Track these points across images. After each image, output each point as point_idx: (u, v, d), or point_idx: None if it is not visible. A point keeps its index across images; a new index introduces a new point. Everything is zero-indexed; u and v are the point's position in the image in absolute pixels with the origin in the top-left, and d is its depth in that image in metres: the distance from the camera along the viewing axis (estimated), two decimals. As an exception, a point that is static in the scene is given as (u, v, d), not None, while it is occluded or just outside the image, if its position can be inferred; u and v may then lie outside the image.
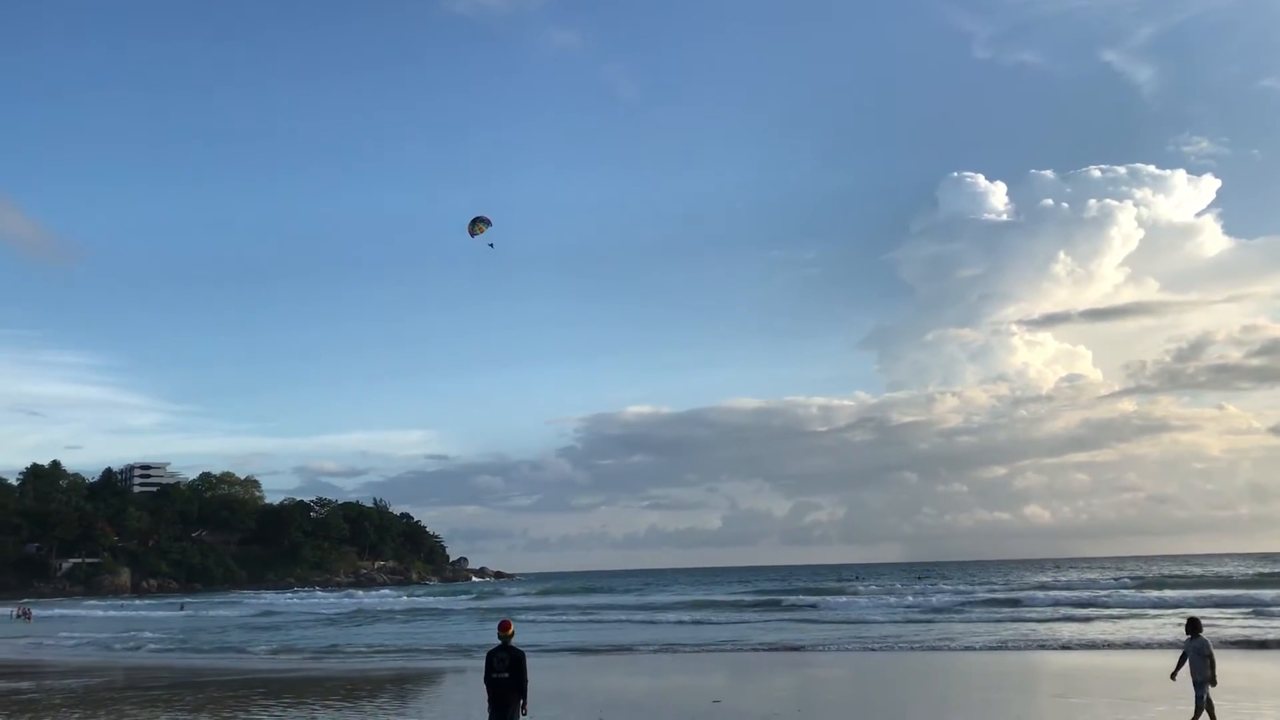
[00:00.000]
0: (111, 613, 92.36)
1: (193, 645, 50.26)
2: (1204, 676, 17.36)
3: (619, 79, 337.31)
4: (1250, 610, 50.75)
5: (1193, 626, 18.06)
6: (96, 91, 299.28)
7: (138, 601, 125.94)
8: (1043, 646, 38.02)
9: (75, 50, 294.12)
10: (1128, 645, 36.36)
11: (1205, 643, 17.65)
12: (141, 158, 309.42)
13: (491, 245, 36.85)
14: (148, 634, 58.03)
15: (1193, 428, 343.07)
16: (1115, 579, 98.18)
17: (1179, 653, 17.89)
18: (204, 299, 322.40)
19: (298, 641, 51.47)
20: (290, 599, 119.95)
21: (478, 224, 36.07)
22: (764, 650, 39.42)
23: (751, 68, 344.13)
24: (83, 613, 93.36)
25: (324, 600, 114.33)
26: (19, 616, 79.27)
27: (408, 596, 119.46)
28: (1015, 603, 63.06)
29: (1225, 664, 17.96)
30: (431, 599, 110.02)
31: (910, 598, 70.10)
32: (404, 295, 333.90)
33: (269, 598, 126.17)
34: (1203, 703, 17.43)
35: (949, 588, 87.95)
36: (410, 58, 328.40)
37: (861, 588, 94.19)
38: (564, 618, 64.30)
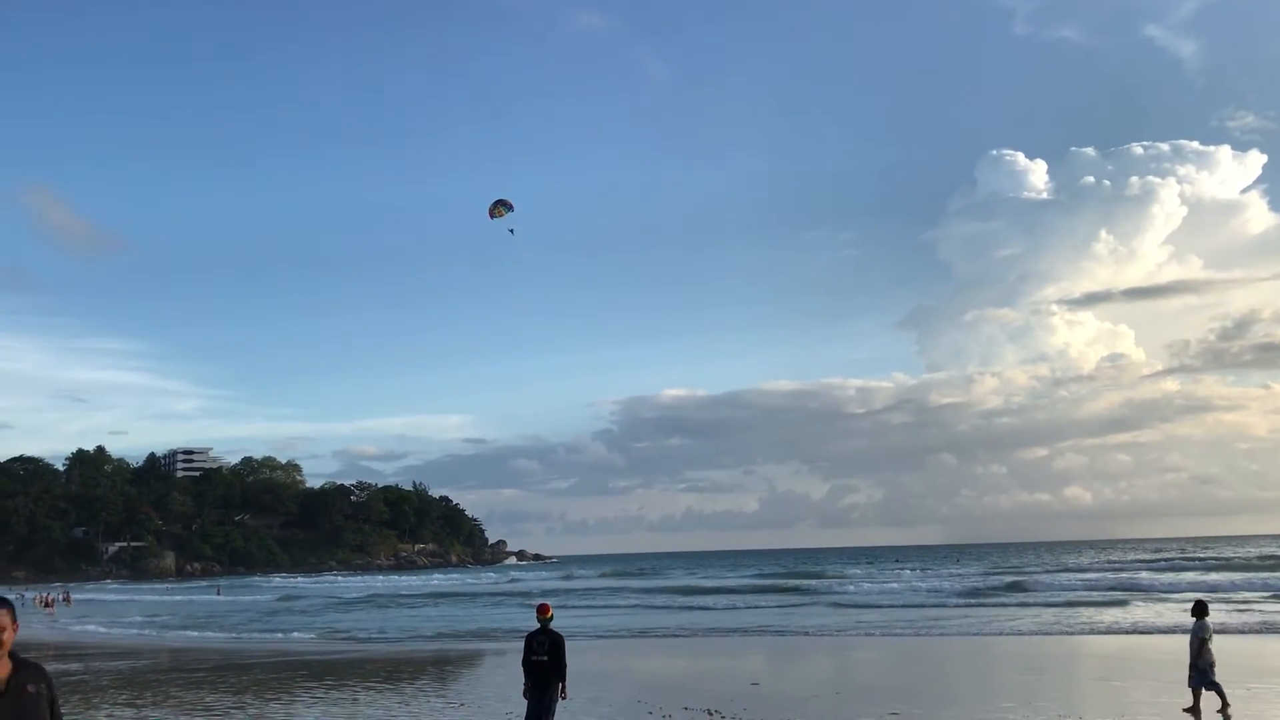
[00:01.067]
0: (149, 596, 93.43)
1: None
2: (1206, 662, 17.31)
3: (648, 60, 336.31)
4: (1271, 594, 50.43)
5: (1195, 610, 18.03)
6: (135, 85, 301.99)
7: (173, 585, 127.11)
8: (1083, 631, 37.83)
9: (114, 44, 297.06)
10: (1170, 630, 36.05)
11: (1201, 626, 17.60)
12: (180, 149, 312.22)
13: (512, 231, 35.62)
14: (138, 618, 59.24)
15: (1237, 407, 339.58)
16: (1156, 560, 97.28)
17: (1203, 638, 17.79)
18: (244, 286, 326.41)
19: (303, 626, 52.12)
20: (305, 583, 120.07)
21: (498, 207, 34.91)
22: (799, 635, 39.46)
23: (787, 46, 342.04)
24: (124, 597, 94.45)
25: (338, 584, 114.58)
26: (61, 600, 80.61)
27: (420, 580, 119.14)
28: (1049, 586, 62.43)
29: (1256, 647, 17.82)
30: (451, 582, 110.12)
31: (923, 583, 69.06)
32: (440, 280, 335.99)
33: (278, 581, 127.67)
34: (1213, 688, 17.33)
35: (983, 570, 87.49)
36: (437, 42, 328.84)
37: (882, 570, 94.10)
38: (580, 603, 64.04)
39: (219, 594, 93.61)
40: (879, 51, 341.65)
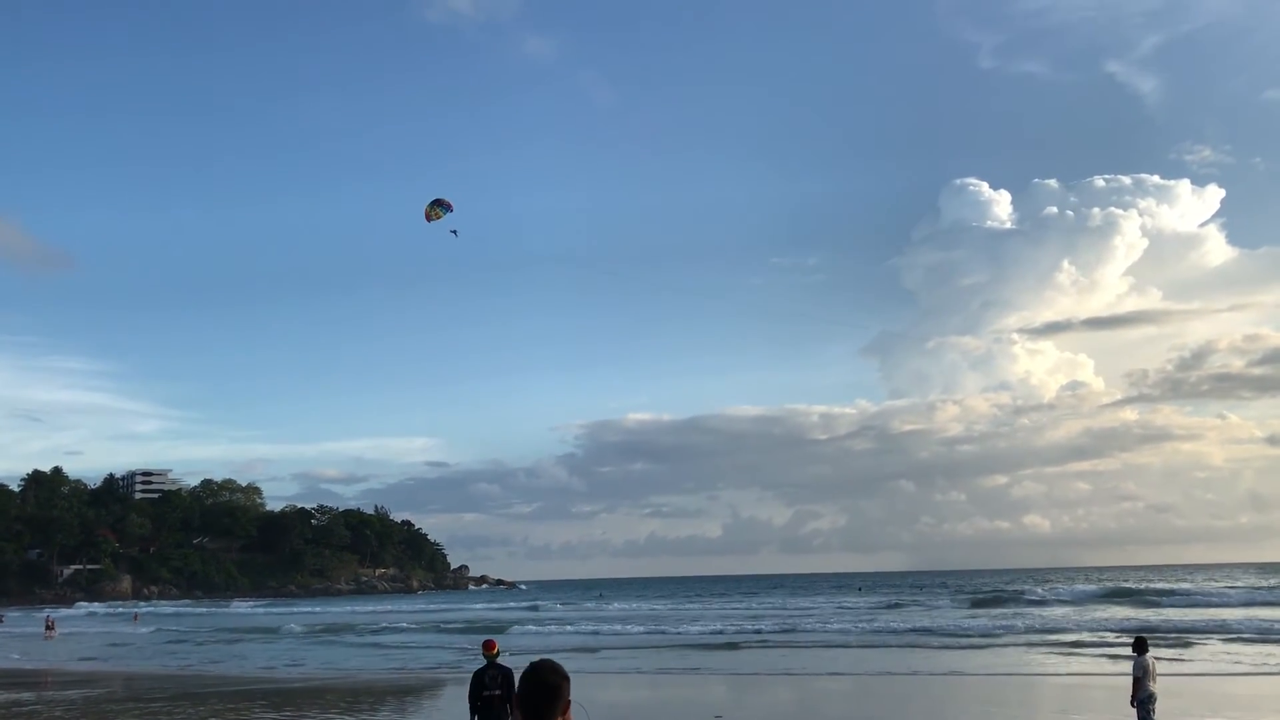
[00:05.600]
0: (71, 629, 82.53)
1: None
2: (1139, 699, 17.55)
3: (596, 84, 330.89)
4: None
5: (1135, 646, 18.28)
6: (90, 103, 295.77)
7: (94, 609, 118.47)
8: (1042, 664, 38.04)
9: (69, 63, 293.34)
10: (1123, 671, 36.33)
11: (1135, 662, 17.83)
12: (138, 169, 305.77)
13: (455, 232, 32.93)
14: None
15: (1194, 437, 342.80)
16: (1122, 592, 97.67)
17: (1137, 675, 17.95)
18: (205, 307, 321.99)
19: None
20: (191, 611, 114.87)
21: (435, 208, 32.03)
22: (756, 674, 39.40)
23: (753, 73, 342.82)
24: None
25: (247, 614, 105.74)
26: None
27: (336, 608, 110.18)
28: (1007, 627, 59.56)
29: (1215, 683, 17.94)
30: (342, 614, 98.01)
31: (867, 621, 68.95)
32: (402, 303, 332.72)
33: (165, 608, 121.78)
34: None
35: (947, 603, 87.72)
36: (388, 68, 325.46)
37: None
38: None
39: (136, 620, 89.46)
40: (847, 81, 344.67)
